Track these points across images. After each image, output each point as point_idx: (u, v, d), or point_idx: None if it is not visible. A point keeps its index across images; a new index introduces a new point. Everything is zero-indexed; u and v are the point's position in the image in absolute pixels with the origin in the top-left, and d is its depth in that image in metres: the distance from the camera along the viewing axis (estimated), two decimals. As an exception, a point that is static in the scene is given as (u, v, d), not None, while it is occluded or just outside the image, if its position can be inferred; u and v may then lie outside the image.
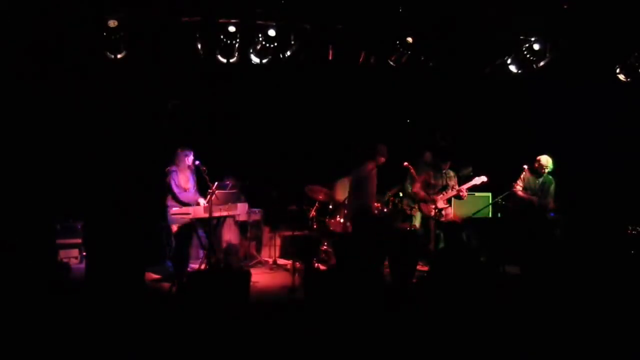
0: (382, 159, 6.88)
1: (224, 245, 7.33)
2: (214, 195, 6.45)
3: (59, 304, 4.98)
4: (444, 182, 7.28)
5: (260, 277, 6.93)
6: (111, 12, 6.04)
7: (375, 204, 7.73)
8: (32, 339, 4.21)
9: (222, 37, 6.46)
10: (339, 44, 6.99)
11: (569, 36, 7.08)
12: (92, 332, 4.36)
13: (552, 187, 7.12)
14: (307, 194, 7.68)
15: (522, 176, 7.12)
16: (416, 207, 7.71)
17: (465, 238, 7.45)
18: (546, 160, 7.06)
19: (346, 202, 7.59)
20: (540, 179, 7.12)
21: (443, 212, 7.21)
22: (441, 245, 7.20)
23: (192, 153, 6.71)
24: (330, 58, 7.09)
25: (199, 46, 6.65)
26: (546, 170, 7.07)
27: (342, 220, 7.59)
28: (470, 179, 7.38)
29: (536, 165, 7.09)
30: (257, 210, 8.12)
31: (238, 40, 6.51)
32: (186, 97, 7.86)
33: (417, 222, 7.68)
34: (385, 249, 6.48)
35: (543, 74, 7.37)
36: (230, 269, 6.68)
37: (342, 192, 7.99)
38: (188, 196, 6.66)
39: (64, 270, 6.69)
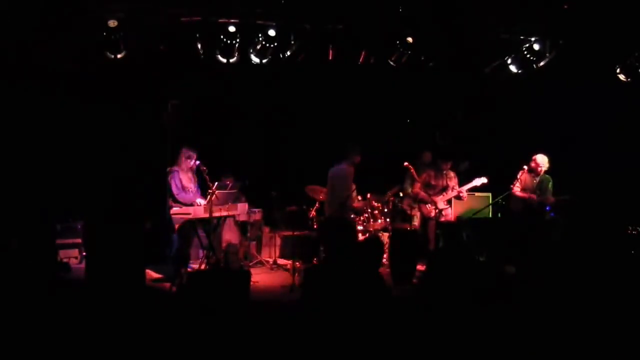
0: (357, 159, 6.88)
1: (224, 245, 7.33)
2: (214, 195, 6.45)
3: (59, 304, 4.98)
4: (445, 183, 7.28)
5: (260, 277, 6.93)
6: (111, 12, 6.05)
7: (375, 203, 7.75)
8: (32, 339, 4.21)
9: (222, 37, 6.46)
10: (339, 44, 6.99)
11: (569, 36, 7.08)
12: (92, 332, 4.36)
13: (550, 184, 7.15)
14: (307, 194, 7.69)
15: (519, 177, 7.11)
16: (417, 207, 7.72)
17: (465, 238, 7.46)
18: (542, 159, 7.07)
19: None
20: (538, 178, 7.13)
21: (443, 213, 7.20)
22: (441, 245, 7.21)
23: (195, 155, 6.67)
24: (330, 58, 7.09)
25: (199, 46, 6.65)
26: (543, 169, 7.09)
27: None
28: (470, 176, 7.38)
29: (532, 164, 7.10)
30: (257, 210, 8.12)
31: (238, 40, 6.51)
32: (186, 97, 7.86)
33: (417, 222, 7.69)
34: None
35: (543, 74, 7.38)
36: (230, 269, 6.68)
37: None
38: (187, 197, 6.63)
39: (64, 270, 6.71)
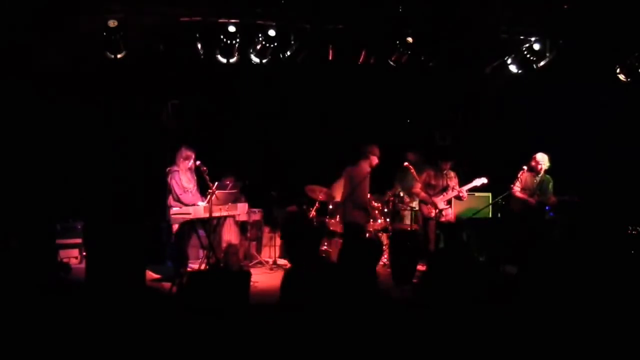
0: (375, 160, 6.88)
1: (224, 245, 7.34)
2: (214, 196, 6.44)
3: (59, 304, 4.98)
4: (445, 183, 7.27)
5: (260, 277, 6.93)
6: (111, 12, 6.05)
7: (375, 203, 7.76)
8: (32, 339, 4.21)
9: (222, 37, 6.46)
10: (339, 44, 7.00)
11: (569, 36, 7.08)
12: (92, 332, 4.36)
13: (551, 184, 7.15)
14: (307, 194, 7.69)
15: (519, 177, 7.11)
16: (404, 207, 7.75)
17: (465, 238, 7.47)
18: (542, 158, 7.07)
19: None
20: (538, 178, 7.12)
21: (443, 213, 7.20)
22: (441, 245, 7.21)
23: (193, 154, 6.66)
24: (330, 58, 7.09)
25: (199, 46, 6.65)
26: (543, 168, 7.08)
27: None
28: (469, 176, 7.38)
29: (532, 163, 7.10)
30: (257, 210, 8.13)
31: (238, 40, 6.51)
32: (186, 97, 7.87)
33: (407, 220, 7.73)
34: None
35: (543, 74, 7.38)
36: (230, 269, 6.68)
37: (341, 192, 8.00)
38: (190, 197, 6.63)
39: (64, 270, 6.71)
